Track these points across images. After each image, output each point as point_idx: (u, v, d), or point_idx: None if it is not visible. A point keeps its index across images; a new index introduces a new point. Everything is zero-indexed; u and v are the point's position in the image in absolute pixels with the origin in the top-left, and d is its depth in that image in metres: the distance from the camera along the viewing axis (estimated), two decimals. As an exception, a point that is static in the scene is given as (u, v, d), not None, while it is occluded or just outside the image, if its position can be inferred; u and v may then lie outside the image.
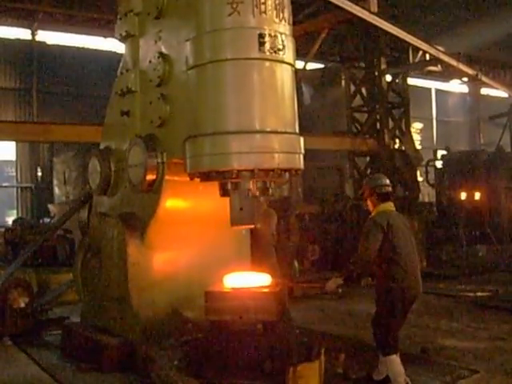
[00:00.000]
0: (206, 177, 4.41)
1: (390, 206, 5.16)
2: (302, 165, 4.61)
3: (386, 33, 13.39)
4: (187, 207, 5.39)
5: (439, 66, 16.42)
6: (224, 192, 4.52)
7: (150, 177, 5.08)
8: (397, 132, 16.23)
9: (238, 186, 4.41)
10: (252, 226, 4.75)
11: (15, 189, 20.36)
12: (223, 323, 4.37)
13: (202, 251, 5.34)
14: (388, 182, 5.26)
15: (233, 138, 4.26)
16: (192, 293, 5.03)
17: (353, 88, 16.76)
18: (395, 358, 4.91)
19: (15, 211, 20.30)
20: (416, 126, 22.90)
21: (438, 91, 31.37)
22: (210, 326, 4.43)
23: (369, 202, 5.23)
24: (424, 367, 5.49)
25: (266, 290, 4.59)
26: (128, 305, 5.30)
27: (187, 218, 5.33)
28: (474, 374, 5.37)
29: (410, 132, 16.69)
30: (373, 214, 5.11)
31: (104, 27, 17.08)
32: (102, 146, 6.10)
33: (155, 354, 4.81)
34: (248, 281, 4.64)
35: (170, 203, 5.21)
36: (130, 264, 5.27)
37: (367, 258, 4.87)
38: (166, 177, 5.06)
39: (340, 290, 5.17)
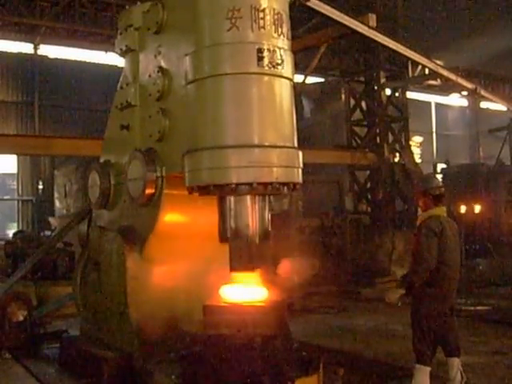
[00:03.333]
0: (205, 191, 4.42)
1: (442, 210, 5.27)
2: (300, 179, 4.61)
3: (385, 47, 13.49)
4: (186, 221, 5.40)
5: (438, 80, 16.54)
6: (223, 238, 4.51)
7: (149, 191, 5.09)
8: (396, 146, 16.31)
9: (237, 232, 4.40)
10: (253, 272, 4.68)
11: (16, 202, 20.42)
12: (221, 337, 4.36)
13: (201, 265, 5.32)
14: (441, 182, 5.36)
15: (231, 152, 4.27)
16: (191, 307, 5.01)
17: (352, 102, 16.87)
18: (425, 370, 4.99)
19: (16, 224, 20.33)
20: (416, 140, 23.00)
21: (437, 105, 31.53)
22: (207, 340, 4.42)
23: (421, 203, 5.31)
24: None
25: (264, 303, 4.58)
26: (126, 318, 5.28)
27: (186, 232, 5.34)
28: (474, 389, 5.36)
29: (409, 146, 16.78)
30: (424, 217, 5.19)
31: (105, 42, 17.18)
32: (101, 160, 6.12)
33: (153, 368, 4.80)
34: (246, 295, 4.64)
35: (169, 217, 5.22)
36: (129, 277, 5.26)
37: (431, 266, 4.93)
38: (165, 191, 5.07)
39: (399, 304, 5.30)
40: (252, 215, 4.43)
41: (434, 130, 31.63)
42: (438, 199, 5.24)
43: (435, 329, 5.07)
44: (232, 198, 4.42)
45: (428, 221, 5.13)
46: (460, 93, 19.35)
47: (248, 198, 4.41)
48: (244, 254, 4.42)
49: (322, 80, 21.24)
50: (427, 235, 4.99)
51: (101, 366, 5.30)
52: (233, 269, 4.49)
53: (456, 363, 5.14)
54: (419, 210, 5.53)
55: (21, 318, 6.81)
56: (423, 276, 5.00)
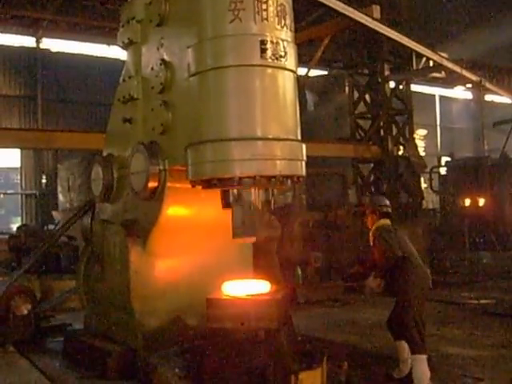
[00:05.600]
0: (208, 184, 4.39)
1: (388, 222, 5.84)
2: (304, 172, 4.59)
3: (389, 39, 13.40)
4: (189, 214, 5.38)
5: (443, 72, 16.41)
6: (226, 204, 4.50)
7: (152, 184, 5.07)
8: (400, 139, 16.21)
9: (240, 199, 4.40)
10: (254, 239, 4.70)
11: (20, 196, 20.45)
12: (224, 330, 4.35)
13: (204, 258, 5.33)
14: (388, 202, 6.04)
15: (234, 145, 4.25)
16: (194, 300, 5.02)
17: (356, 95, 16.75)
18: (423, 358, 5.12)
19: (20, 218, 20.37)
20: (420, 133, 22.90)
21: (441, 98, 31.42)
22: (211, 334, 4.41)
23: (369, 219, 5.91)
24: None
25: (267, 297, 4.57)
26: (130, 312, 5.29)
27: (189, 226, 5.33)
28: (478, 382, 5.35)
29: (413, 139, 16.67)
30: (376, 227, 5.72)
31: (107, 35, 17.18)
32: (104, 153, 6.11)
33: (157, 361, 4.80)
34: (249, 288, 4.63)
35: (172, 210, 5.21)
36: (132, 271, 5.26)
37: (396, 252, 5.41)
38: (168, 184, 5.05)
39: (379, 290, 5.93)
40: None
41: (438, 122, 31.53)
42: (384, 216, 5.84)
43: (420, 312, 5.30)
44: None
45: (380, 227, 5.68)
46: (464, 85, 19.23)
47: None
48: (246, 219, 4.41)
49: (325, 73, 21.17)
50: (382, 235, 5.53)
51: (105, 360, 5.32)
52: (235, 235, 4.47)
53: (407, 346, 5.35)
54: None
55: (25, 312, 6.82)
56: (392, 261, 5.41)
